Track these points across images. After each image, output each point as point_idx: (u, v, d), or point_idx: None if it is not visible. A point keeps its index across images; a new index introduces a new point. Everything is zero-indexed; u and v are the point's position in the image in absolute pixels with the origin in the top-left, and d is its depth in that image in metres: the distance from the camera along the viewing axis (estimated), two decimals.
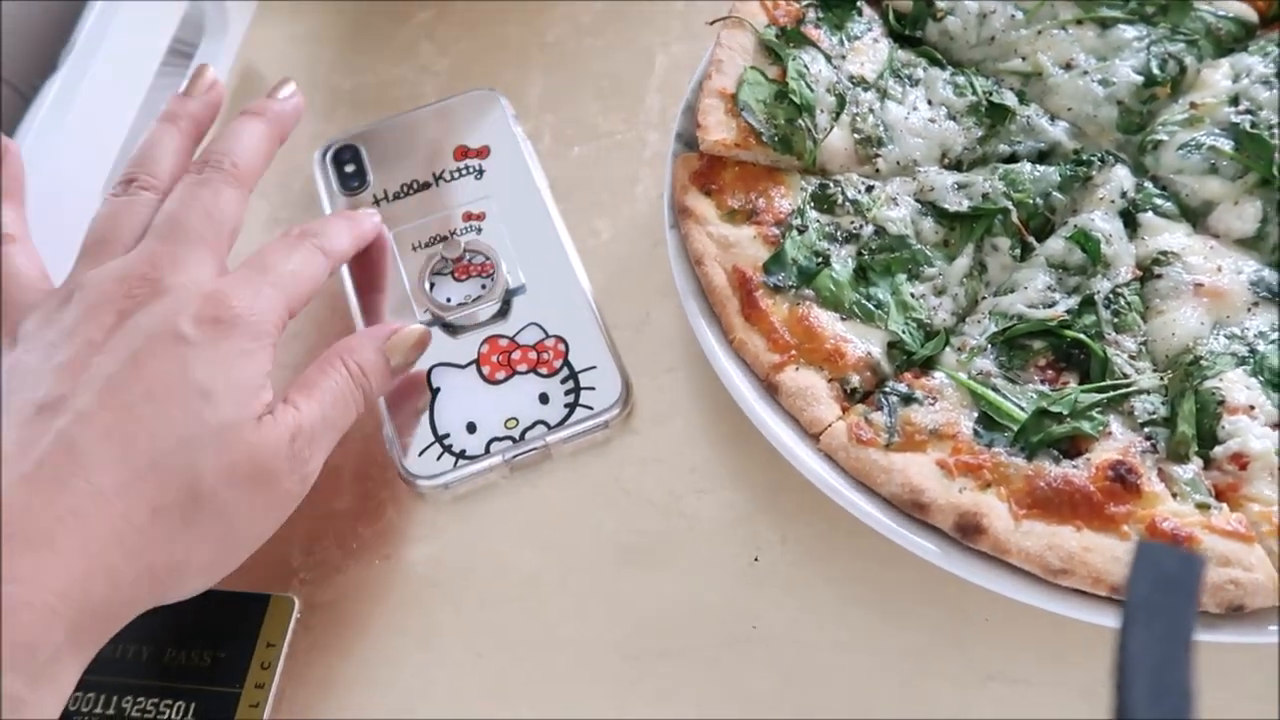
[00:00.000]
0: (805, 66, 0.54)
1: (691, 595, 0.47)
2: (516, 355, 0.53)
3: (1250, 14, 0.57)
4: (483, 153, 0.60)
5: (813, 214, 0.51)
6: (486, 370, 0.52)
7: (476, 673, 0.46)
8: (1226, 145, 0.51)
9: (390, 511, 0.50)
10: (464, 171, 0.59)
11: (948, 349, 0.48)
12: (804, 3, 0.57)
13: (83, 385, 0.39)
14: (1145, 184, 0.53)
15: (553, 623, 0.47)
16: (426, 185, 0.59)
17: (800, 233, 0.50)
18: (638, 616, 0.47)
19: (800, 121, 0.53)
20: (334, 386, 0.45)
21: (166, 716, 0.44)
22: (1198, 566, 0.26)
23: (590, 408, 0.51)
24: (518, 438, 0.50)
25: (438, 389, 0.52)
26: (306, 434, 0.43)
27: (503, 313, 0.54)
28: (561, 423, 0.50)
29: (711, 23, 0.57)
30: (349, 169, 0.59)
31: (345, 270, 0.55)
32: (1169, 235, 0.50)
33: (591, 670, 0.46)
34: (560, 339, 0.53)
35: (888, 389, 0.47)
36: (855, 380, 0.47)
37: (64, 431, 0.37)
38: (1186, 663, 0.25)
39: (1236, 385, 0.45)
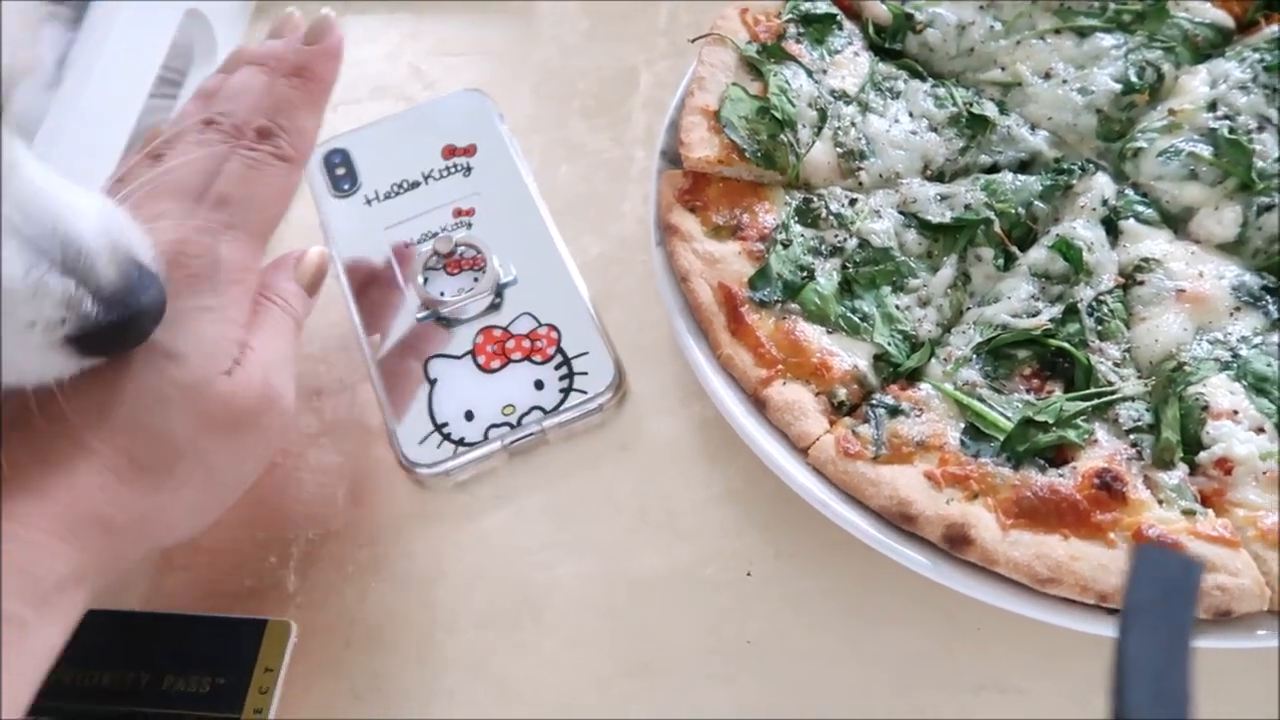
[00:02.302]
0: (787, 82, 0.55)
1: (686, 609, 0.48)
2: (511, 344, 0.54)
3: (1226, 20, 0.57)
4: (470, 151, 0.61)
5: (797, 228, 0.52)
6: (482, 360, 0.53)
7: (473, 689, 0.47)
8: (1205, 151, 0.52)
9: (388, 532, 0.51)
10: (452, 170, 0.61)
11: (933, 360, 0.49)
12: (784, 18, 0.58)
13: None
14: (1126, 191, 0.53)
15: (549, 639, 0.48)
16: (416, 184, 0.60)
17: (785, 247, 0.51)
18: (633, 630, 0.47)
19: (782, 136, 0.53)
20: (274, 321, 0.45)
21: None
22: (1196, 571, 0.27)
23: (584, 391, 0.52)
24: (515, 424, 0.51)
25: (435, 380, 0.53)
26: (274, 371, 0.43)
27: (495, 305, 0.55)
28: (557, 407, 0.52)
29: (694, 40, 0.57)
30: (340, 171, 0.61)
31: (343, 276, 0.57)
32: (1150, 242, 0.51)
33: (588, 684, 0.46)
34: (552, 327, 0.54)
35: (874, 401, 0.47)
36: (842, 393, 0.47)
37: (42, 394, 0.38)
38: (1185, 666, 0.25)
39: (1220, 390, 0.45)
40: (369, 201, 0.60)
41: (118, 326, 0.37)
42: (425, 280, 0.56)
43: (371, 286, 0.57)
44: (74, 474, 0.38)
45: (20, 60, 0.34)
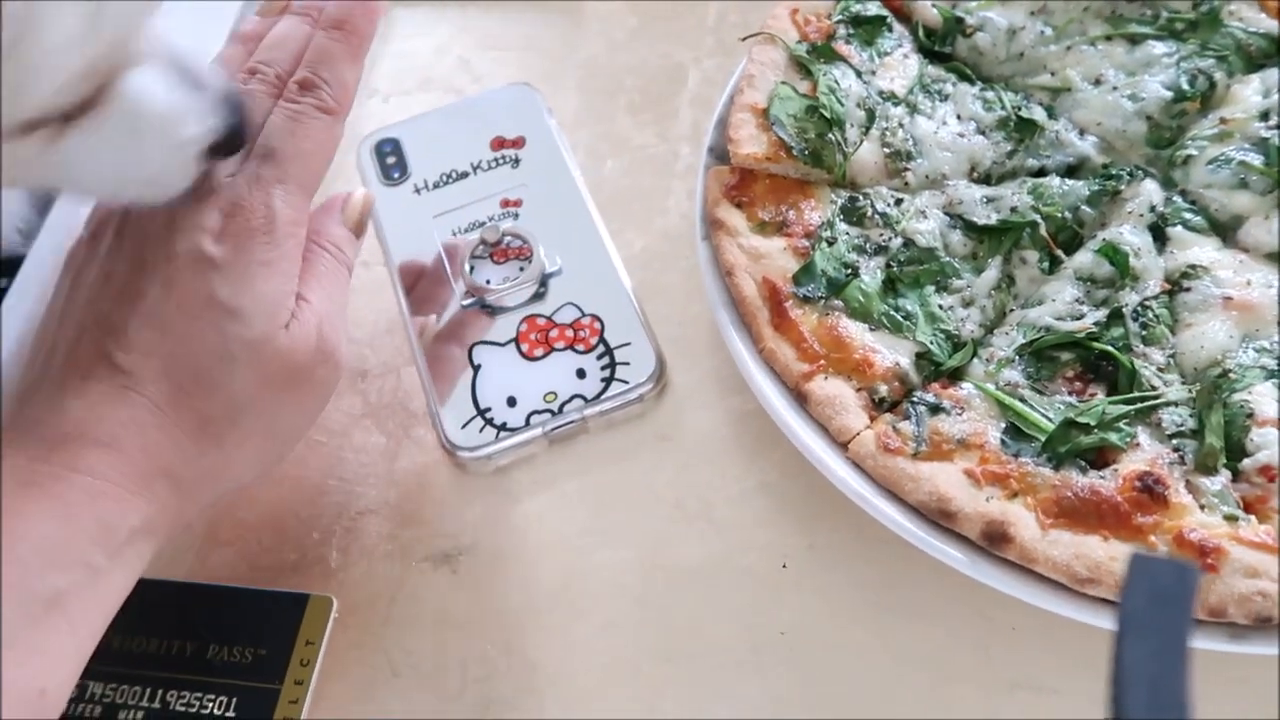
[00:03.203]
0: (836, 82, 0.55)
1: (721, 599, 0.48)
2: (554, 333, 0.55)
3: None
4: (518, 143, 0.62)
5: (842, 226, 0.52)
6: (525, 348, 0.54)
7: (509, 672, 0.47)
8: (1256, 160, 0.52)
9: (427, 513, 0.52)
10: (501, 161, 0.61)
11: (975, 360, 0.49)
12: (835, 19, 0.58)
13: (127, 308, 0.41)
14: (1174, 198, 0.53)
15: (584, 624, 0.48)
16: (465, 174, 0.61)
17: (830, 245, 0.51)
18: (667, 618, 0.48)
19: (830, 136, 0.53)
20: (327, 269, 0.45)
21: (209, 711, 0.45)
22: (1192, 578, 0.26)
23: (625, 382, 0.53)
24: (556, 411, 0.52)
25: (479, 365, 0.54)
26: (327, 322, 0.44)
27: (540, 294, 0.56)
28: (598, 396, 0.52)
29: (744, 39, 0.58)
30: (390, 160, 0.62)
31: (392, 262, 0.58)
32: (1198, 249, 0.51)
33: (621, 670, 0.47)
34: (596, 317, 0.55)
35: (916, 399, 0.47)
36: (883, 390, 0.47)
37: (111, 351, 0.40)
38: (1183, 674, 0.24)
39: (1266, 398, 0.45)
40: (418, 190, 0.61)
41: (238, 129, 0.40)
42: (471, 268, 0.57)
43: (419, 273, 0.58)
44: (145, 431, 0.39)
45: None
